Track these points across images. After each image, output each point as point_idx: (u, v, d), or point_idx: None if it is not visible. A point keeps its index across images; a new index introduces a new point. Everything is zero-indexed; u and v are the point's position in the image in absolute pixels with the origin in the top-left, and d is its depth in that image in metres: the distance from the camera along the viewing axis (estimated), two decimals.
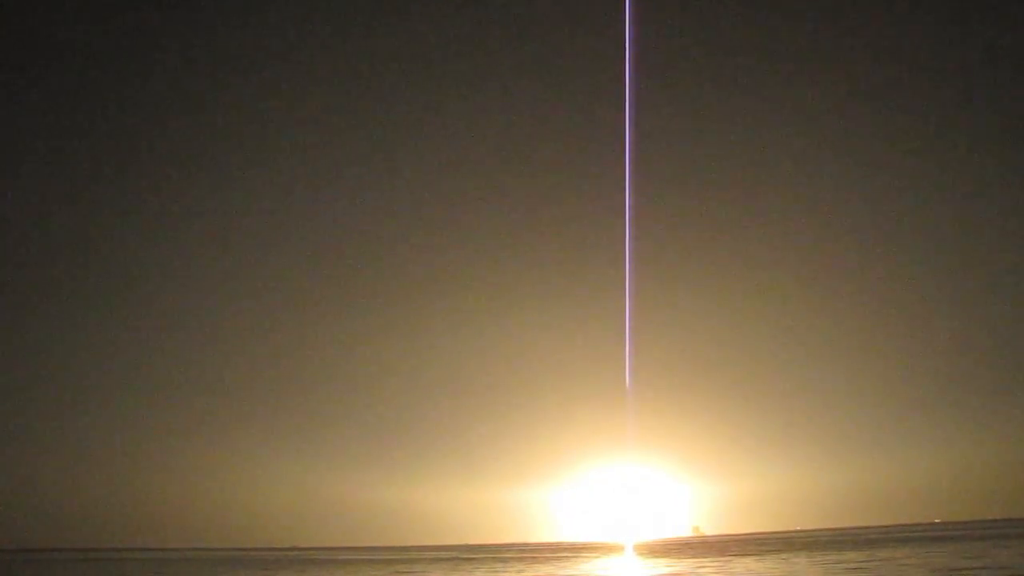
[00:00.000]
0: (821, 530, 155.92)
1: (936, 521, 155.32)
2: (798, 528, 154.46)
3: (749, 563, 29.13)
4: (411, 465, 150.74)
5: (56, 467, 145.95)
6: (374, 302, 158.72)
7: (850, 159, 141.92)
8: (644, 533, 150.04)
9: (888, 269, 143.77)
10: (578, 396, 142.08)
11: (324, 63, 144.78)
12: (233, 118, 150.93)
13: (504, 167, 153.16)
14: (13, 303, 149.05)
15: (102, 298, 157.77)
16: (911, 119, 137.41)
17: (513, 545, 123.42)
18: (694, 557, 38.22)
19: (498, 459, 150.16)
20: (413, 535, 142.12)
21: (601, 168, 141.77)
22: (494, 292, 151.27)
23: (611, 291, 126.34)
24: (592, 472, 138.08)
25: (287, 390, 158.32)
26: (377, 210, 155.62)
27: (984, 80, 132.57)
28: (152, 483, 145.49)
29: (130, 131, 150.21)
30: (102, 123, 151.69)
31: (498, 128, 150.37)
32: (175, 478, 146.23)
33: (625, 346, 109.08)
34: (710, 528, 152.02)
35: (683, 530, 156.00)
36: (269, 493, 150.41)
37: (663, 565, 31.38)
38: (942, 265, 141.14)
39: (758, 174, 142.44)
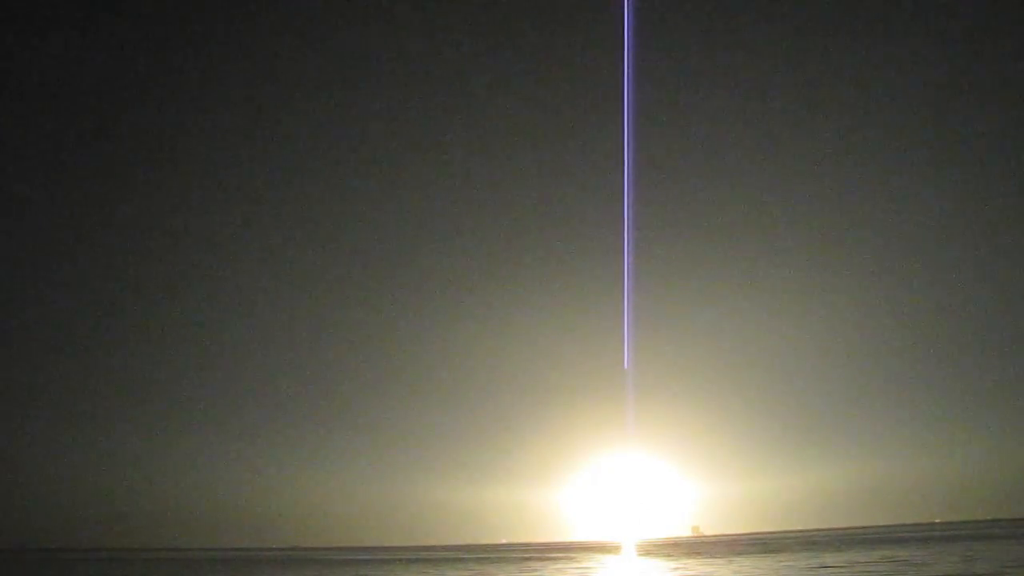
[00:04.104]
0: (821, 530, 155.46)
1: (936, 521, 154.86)
2: (799, 528, 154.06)
3: (721, 564, 28.79)
4: (410, 465, 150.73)
5: (56, 467, 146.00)
6: (372, 300, 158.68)
7: (850, 157, 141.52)
8: (643, 533, 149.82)
9: (890, 268, 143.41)
10: (577, 397, 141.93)
11: (325, 62, 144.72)
12: (238, 119, 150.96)
13: (503, 162, 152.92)
14: (14, 303, 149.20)
15: (104, 298, 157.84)
16: (913, 118, 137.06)
17: (511, 545, 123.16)
18: (673, 558, 37.89)
19: (498, 459, 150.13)
20: (413, 535, 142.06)
21: (600, 167, 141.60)
22: (492, 292, 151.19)
23: (610, 292, 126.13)
24: (591, 473, 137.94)
25: (287, 391, 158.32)
26: (377, 210, 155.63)
27: (986, 80, 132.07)
28: (153, 483, 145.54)
29: (136, 133, 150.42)
30: (106, 125, 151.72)
31: (499, 121, 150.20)
32: (175, 478, 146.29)
33: (624, 346, 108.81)
34: (709, 528, 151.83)
35: (682, 530, 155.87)
36: (269, 493, 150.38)
37: (649, 566, 31.08)
38: (943, 264, 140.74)
39: (758, 168, 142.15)
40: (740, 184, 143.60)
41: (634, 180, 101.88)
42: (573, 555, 50.23)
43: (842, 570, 21.95)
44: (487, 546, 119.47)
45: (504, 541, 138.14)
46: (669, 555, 42.15)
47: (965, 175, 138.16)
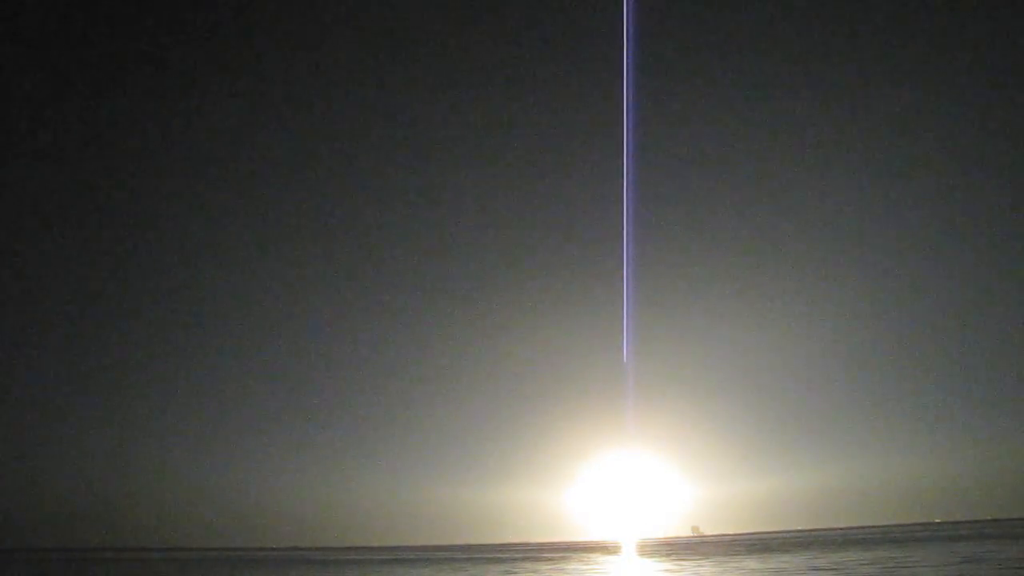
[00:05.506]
0: (821, 530, 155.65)
1: (936, 521, 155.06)
2: (798, 528, 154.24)
3: (711, 565, 28.99)
4: (410, 465, 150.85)
5: (56, 467, 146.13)
6: (372, 299, 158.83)
7: (851, 156, 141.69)
8: (643, 533, 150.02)
9: (890, 268, 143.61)
10: (576, 393, 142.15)
11: (326, 63, 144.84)
12: (236, 120, 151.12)
13: (504, 158, 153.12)
14: (15, 303, 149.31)
15: (105, 298, 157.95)
16: (913, 120, 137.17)
17: (512, 545, 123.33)
18: (671, 558, 38.08)
19: (498, 460, 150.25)
20: (413, 535, 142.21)
21: (600, 160, 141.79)
22: (491, 288, 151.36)
23: (610, 296, 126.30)
24: (591, 473, 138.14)
25: (288, 391, 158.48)
26: (378, 209, 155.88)
27: (986, 81, 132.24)
28: (152, 483, 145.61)
29: (137, 135, 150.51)
30: (105, 125, 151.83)
31: (501, 118, 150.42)
32: (175, 478, 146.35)
33: (623, 340, 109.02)
34: (709, 528, 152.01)
35: (682, 530, 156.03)
36: (269, 493, 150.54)
37: (646, 566, 31.27)
38: (943, 263, 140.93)
39: (759, 165, 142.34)
40: (741, 180, 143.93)
41: (634, 173, 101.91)
42: (571, 555, 50.43)
43: (834, 571, 22.15)
44: (485, 546, 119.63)
45: (502, 541, 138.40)
46: (667, 555, 42.36)
47: (964, 177, 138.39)
